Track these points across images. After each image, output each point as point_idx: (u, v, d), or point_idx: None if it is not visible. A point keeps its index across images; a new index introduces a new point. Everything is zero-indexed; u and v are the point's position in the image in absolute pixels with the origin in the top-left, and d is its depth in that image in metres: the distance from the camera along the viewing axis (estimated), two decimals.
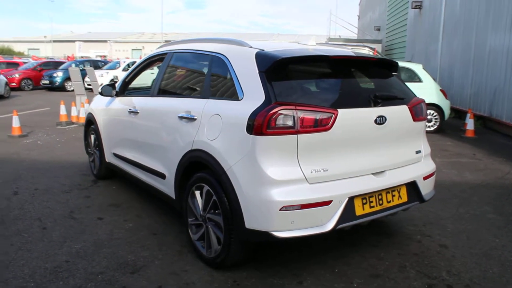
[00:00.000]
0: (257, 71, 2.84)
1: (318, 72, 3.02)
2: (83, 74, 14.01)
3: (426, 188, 3.32)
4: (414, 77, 9.56)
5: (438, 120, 9.50)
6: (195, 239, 3.26)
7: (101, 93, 4.69)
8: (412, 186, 3.20)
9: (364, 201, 2.88)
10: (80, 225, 3.92)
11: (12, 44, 62.74)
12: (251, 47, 3.11)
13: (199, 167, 3.16)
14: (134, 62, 22.74)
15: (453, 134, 9.45)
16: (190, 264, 3.19)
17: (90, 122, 5.38)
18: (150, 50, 59.82)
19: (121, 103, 4.58)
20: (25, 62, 24.64)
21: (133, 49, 65.47)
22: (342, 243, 3.57)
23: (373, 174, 2.97)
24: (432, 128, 9.49)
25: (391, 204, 3.05)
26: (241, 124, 2.72)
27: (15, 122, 8.40)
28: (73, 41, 56.09)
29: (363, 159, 2.93)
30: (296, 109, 2.62)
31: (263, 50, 3.01)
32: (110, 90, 4.70)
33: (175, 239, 3.62)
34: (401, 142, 3.22)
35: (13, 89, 19.13)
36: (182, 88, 3.76)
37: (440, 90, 9.61)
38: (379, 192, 2.97)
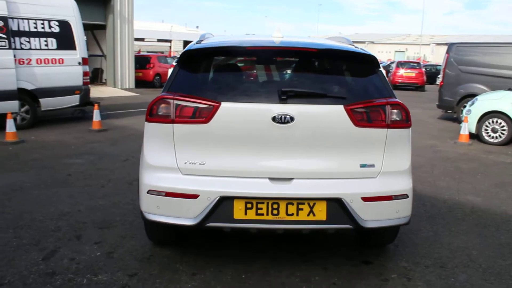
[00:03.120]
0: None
1: (229, 63, 2.90)
2: None
3: (369, 212, 2.70)
4: None
5: None
6: None
7: None
8: (339, 205, 2.67)
9: (249, 205, 2.65)
10: (123, 189, 4.79)
11: None
12: (200, 41, 3.22)
13: None
14: (393, 63, 25.86)
15: None
16: None
17: None
18: (414, 52, 57.56)
19: None
20: None
21: (396, 51, 64.31)
22: (302, 257, 3.25)
23: (269, 178, 2.67)
24: None
25: (294, 218, 2.66)
26: None
27: None
28: None
29: (257, 161, 2.69)
30: (174, 99, 2.68)
31: (199, 42, 3.09)
32: None
33: None
34: (331, 149, 2.72)
35: None
36: None
37: None
38: (274, 201, 2.65)
